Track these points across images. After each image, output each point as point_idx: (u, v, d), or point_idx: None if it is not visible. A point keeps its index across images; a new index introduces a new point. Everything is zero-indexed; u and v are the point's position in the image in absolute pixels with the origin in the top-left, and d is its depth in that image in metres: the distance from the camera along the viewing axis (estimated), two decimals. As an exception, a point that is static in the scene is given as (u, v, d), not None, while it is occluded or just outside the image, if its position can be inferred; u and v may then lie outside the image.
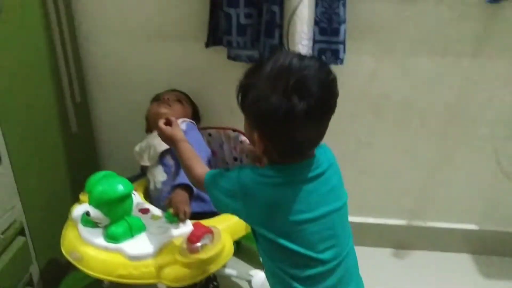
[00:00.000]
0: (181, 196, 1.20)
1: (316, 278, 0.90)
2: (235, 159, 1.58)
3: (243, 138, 1.52)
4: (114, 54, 1.64)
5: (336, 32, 1.45)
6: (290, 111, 0.81)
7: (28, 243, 1.34)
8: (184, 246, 1.05)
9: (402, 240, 1.82)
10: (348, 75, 1.58)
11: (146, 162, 1.46)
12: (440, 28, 1.50)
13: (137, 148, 1.48)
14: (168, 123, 1.15)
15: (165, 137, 1.13)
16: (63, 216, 1.54)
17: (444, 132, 1.65)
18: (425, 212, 1.78)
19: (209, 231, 1.08)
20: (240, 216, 0.94)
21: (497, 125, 1.61)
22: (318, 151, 0.93)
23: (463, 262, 1.76)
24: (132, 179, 1.32)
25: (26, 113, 1.32)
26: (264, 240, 0.92)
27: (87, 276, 1.47)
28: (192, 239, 1.05)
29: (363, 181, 1.75)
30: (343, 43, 1.46)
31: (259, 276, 1.30)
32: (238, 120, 1.66)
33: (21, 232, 1.31)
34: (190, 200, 1.23)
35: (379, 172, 1.74)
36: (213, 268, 1.08)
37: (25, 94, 1.32)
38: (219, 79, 1.65)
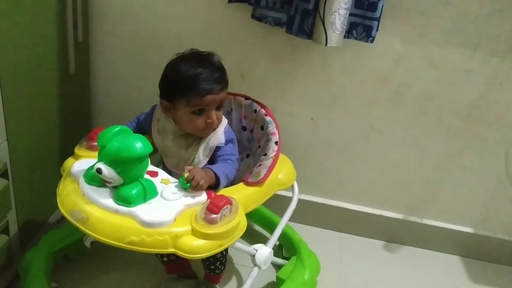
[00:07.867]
0: (206, 171, 1.08)
1: None
2: (244, 128, 1.47)
3: (258, 107, 1.41)
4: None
5: (373, 7, 1.34)
6: None
7: (9, 187, 1.20)
8: (203, 215, 0.95)
9: (395, 234, 1.77)
10: (374, 56, 1.49)
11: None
12: (478, 22, 1.42)
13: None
14: None
15: None
16: (50, 165, 1.41)
17: (458, 130, 1.59)
18: (423, 209, 1.73)
19: (229, 202, 0.97)
20: None
21: (514, 131, 1.57)
22: None
23: (453, 263, 1.74)
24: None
25: (23, 45, 1.17)
26: None
27: (69, 235, 1.36)
28: (212, 208, 0.94)
29: (366, 169, 1.68)
30: (378, 20, 1.36)
31: (263, 250, 1.21)
32: (247, 86, 1.57)
33: (4, 174, 1.18)
34: (212, 189, 1.12)
35: (384, 162, 1.67)
36: (230, 241, 0.98)
37: (25, 22, 1.16)
38: (235, 40, 1.52)
